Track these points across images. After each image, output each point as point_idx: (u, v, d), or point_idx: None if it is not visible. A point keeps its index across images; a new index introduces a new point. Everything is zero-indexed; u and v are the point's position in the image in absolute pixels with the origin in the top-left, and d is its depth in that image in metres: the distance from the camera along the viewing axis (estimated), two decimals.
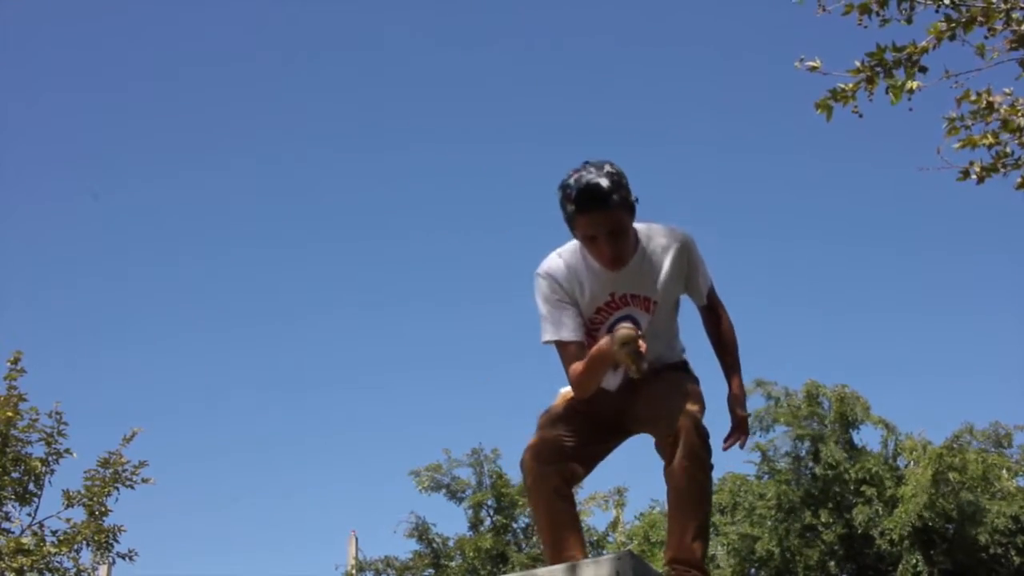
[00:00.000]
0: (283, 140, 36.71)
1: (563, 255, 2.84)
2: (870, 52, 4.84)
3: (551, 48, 38.35)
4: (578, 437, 2.84)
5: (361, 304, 33.89)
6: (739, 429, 2.95)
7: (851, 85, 4.90)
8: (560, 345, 2.79)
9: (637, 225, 2.79)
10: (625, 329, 2.59)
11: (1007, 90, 5.10)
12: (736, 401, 2.96)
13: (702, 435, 2.64)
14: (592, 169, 2.68)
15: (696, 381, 2.92)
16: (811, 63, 4.89)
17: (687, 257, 2.84)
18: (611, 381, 2.88)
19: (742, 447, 2.99)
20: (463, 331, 30.81)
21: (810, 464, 14.24)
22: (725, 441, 2.95)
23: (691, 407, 2.67)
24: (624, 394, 2.87)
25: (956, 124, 5.09)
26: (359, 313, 33.93)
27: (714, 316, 3.03)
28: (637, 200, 2.75)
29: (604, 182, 2.64)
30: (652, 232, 2.84)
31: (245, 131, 37.35)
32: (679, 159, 34.84)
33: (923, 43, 4.83)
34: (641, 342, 2.57)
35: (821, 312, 30.82)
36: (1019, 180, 5.23)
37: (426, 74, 37.34)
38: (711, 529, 14.52)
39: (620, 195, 2.66)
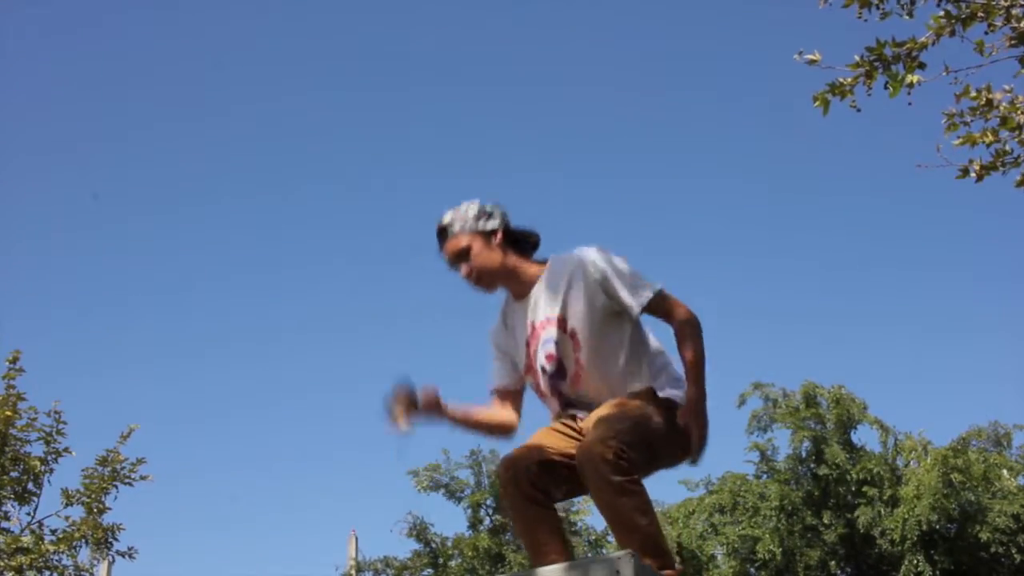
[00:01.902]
0: (283, 137, 36.72)
1: (501, 307, 3.06)
2: (870, 47, 4.83)
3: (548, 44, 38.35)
4: (555, 450, 2.82)
5: (361, 305, 33.91)
6: (692, 440, 2.74)
7: (850, 80, 4.89)
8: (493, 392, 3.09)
9: (552, 256, 2.97)
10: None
11: (1007, 87, 5.09)
12: (685, 410, 2.75)
13: (608, 458, 2.53)
14: (447, 210, 2.96)
15: (647, 404, 2.76)
16: (810, 56, 4.87)
17: (591, 266, 2.84)
18: (550, 406, 2.96)
19: (692, 462, 2.79)
20: (463, 331, 30.78)
21: (811, 464, 14.23)
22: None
23: (601, 429, 2.60)
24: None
25: (956, 120, 5.07)
26: (359, 312, 33.95)
27: (668, 321, 2.86)
28: (510, 228, 2.94)
29: (446, 217, 2.93)
30: (558, 258, 2.96)
31: (246, 129, 37.36)
32: (678, 157, 34.85)
33: (923, 39, 4.82)
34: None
35: (819, 312, 30.80)
36: (1018, 178, 5.22)
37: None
38: (711, 529, 14.54)
39: (461, 223, 2.90)
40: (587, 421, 2.77)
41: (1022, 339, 30.84)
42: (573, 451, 2.75)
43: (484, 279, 2.92)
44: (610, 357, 2.83)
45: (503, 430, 3.07)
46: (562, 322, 2.85)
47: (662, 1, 39.47)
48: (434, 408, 2.91)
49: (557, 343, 2.85)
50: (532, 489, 2.78)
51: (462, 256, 2.90)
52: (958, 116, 5.07)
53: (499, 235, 2.92)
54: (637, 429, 2.65)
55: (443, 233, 2.93)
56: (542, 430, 2.96)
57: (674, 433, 2.75)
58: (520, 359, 2.98)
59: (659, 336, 2.96)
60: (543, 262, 2.98)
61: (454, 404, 2.98)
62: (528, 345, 2.94)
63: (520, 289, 2.95)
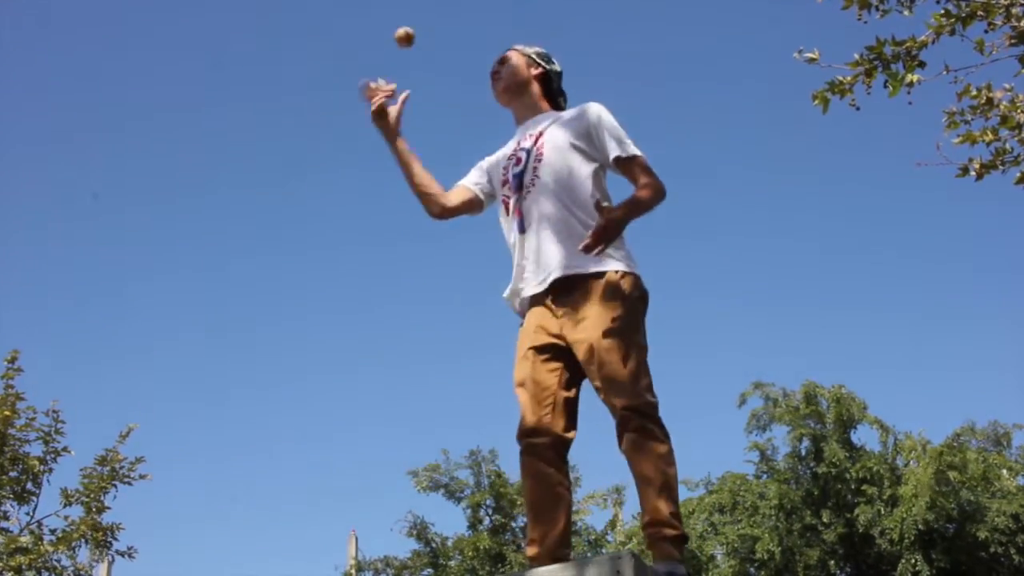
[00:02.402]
0: (281, 132, 36.72)
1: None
2: (869, 46, 4.84)
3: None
4: (547, 383, 2.89)
5: (360, 302, 33.91)
6: (597, 225, 2.77)
7: (849, 78, 4.90)
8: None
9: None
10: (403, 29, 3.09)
11: (1007, 86, 5.09)
12: (608, 221, 2.78)
13: (647, 414, 2.77)
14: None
15: (632, 312, 2.85)
16: (810, 54, 4.88)
17: (590, 109, 3.07)
18: (509, 231, 3.09)
19: (589, 248, 2.76)
20: (464, 331, 30.81)
21: (811, 464, 14.23)
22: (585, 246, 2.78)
23: (632, 382, 2.76)
24: (553, 311, 2.92)
25: (956, 119, 5.08)
26: (359, 312, 33.95)
27: (636, 183, 2.95)
28: (552, 75, 3.25)
29: (518, 44, 3.27)
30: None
31: (246, 124, 37.37)
32: (678, 156, 34.84)
33: (923, 37, 4.83)
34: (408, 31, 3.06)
35: (819, 312, 30.80)
36: (1018, 175, 5.22)
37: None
38: (711, 528, 14.54)
39: (523, 47, 3.24)
40: (590, 359, 2.81)
41: (1022, 338, 30.82)
42: (562, 366, 2.88)
43: (506, 91, 3.23)
44: (566, 179, 2.97)
45: (434, 193, 3.17)
46: (538, 137, 3.08)
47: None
48: (392, 120, 3.11)
49: (528, 151, 3.07)
50: (553, 455, 2.86)
51: (502, 61, 3.24)
52: (959, 115, 5.07)
53: (540, 69, 3.24)
54: (645, 366, 2.83)
55: (507, 51, 3.26)
56: (516, 373, 2.95)
57: (644, 310, 2.94)
58: (499, 175, 3.19)
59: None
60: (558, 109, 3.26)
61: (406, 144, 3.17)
62: (510, 157, 3.15)
63: (525, 113, 3.23)
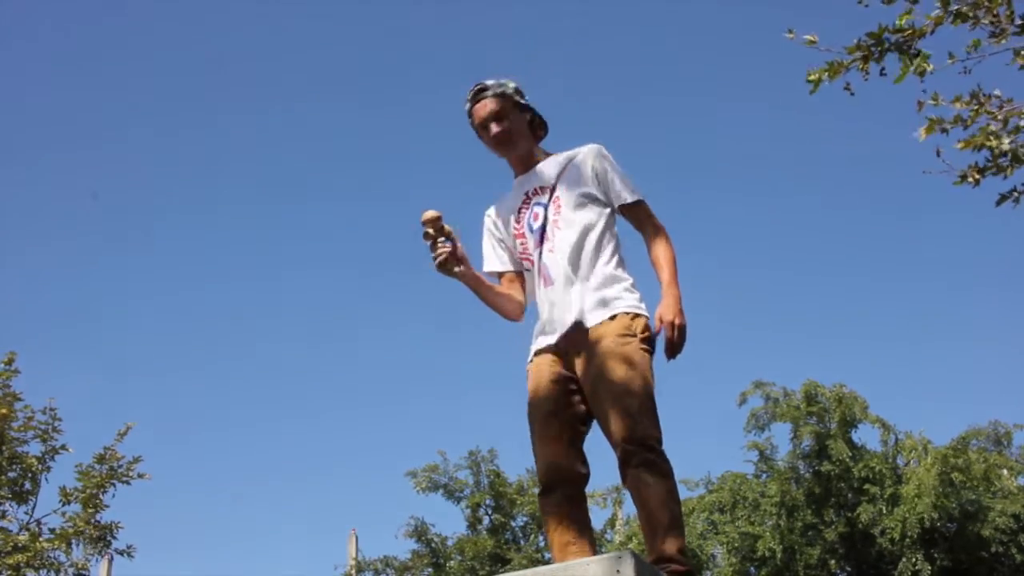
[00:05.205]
0: (281, 138, 36.71)
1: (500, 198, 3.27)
2: (871, 32, 4.84)
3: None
4: (559, 432, 2.95)
5: (360, 301, 33.90)
6: (668, 339, 2.87)
7: (847, 62, 4.91)
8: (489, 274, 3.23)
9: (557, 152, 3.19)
10: (428, 212, 2.96)
11: (997, 92, 5.10)
12: (662, 310, 2.89)
13: (650, 447, 2.75)
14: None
15: (641, 352, 2.87)
16: (808, 37, 4.89)
17: (594, 154, 3.08)
18: (531, 288, 3.11)
19: (669, 354, 2.88)
20: (463, 328, 30.79)
21: (814, 462, 14.21)
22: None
23: (633, 418, 2.75)
24: (566, 353, 2.96)
25: (936, 128, 5.06)
26: (359, 310, 33.94)
27: (643, 229, 3.06)
28: (536, 113, 3.17)
29: (489, 80, 3.13)
30: (563, 151, 3.19)
31: (246, 126, 37.35)
32: (678, 156, 34.84)
33: (922, 26, 4.82)
34: (445, 226, 2.96)
35: (818, 311, 30.79)
36: (999, 196, 5.21)
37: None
38: (711, 527, 14.52)
39: (503, 89, 3.11)
40: (594, 392, 2.84)
41: (1022, 338, 30.80)
42: (575, 406, 2.93)
43: (507, 145, 3.13)
44: (582, 233, 2.99)
45: (512, 306, 3.18)
46: (552, 191, 3.07)
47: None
48: (460, 267, 3.05)
49: (544, 206, 3.06)
50: (571, 507, 3.00)
51: (496, 117, 3.10)
52: (937, 122, 5.05)
53: (529, 112, 3.16)
54: (651, 402, 2.81)
55: (481, 92, 3.12)
56: (540, 426, 2.99)
57: (651, 350, 2.93)
58: (510, 231, 3.17)
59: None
60: (547, 153, 3.22)
61: (474, 270, 3.13)
62: (519, 211, 3.13)
63: (525, 165, 3.17)
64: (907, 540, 12.92)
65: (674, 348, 2.87)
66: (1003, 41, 4.87)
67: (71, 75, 35.08)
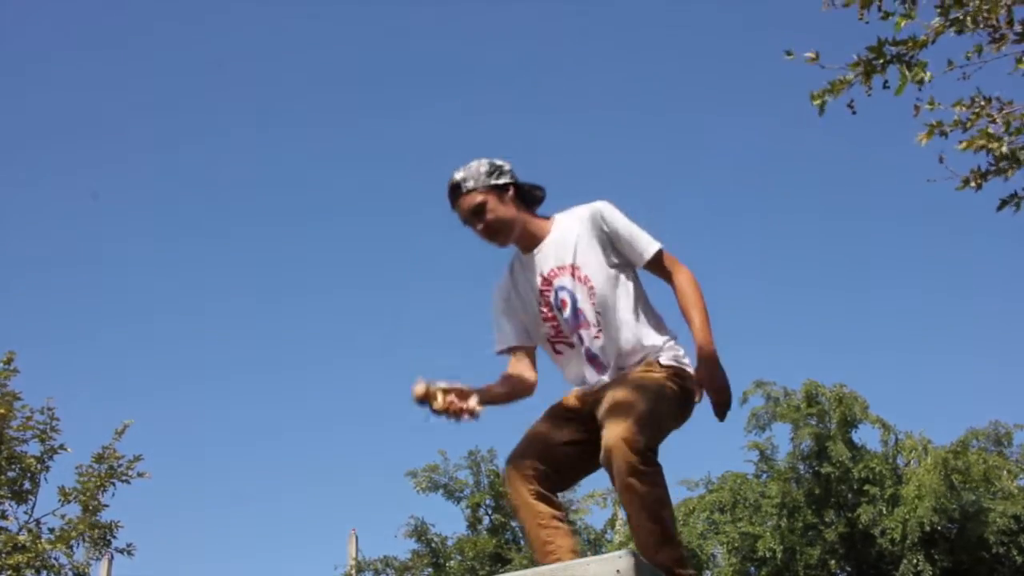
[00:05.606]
0: (284, 137, 36.71)
1: (508, 263, 3.11)
2: (870, 46, 4.83)
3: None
4: (558, 440, 2.89)
5: (360, 301, 33.89)
6: (712, 401, 2.78)
7: (849, 77, 4.89)
8: (500, 354, 3.09)
9: (558, 214, 3.04)
10: (415, 390, 2.76)
11: (997, 95, 5.10)
12: (704, 369, 2.79)
13: (635, 448, 2.57)
14: (458, 168, 2.99)
15: (662, 381, 2.80)
16: (808, 54, 4.87)
17: (601, 217, 2.93)
18: (572, 373, 2.99)
19: (719, 417, 2.78)
20: (463, 328, 30.79)
21: (814, 462, 14.20)
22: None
23: (626, 419, 2.61)
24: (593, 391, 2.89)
25: (936, 131, 5.06)
26: (359, 310, 33.93)
27: (669, 278, 2.93)
28: (519, 184, 3.00)
29: (458, 174, 2.97)
30: (568, 212, 3.03)
31: (246, 125, 37.35)
32: (678, 155, 34.85)
33: (922, 37, 4.82)
34: (436, 390, 2.76)
35: (819, 311, 30.78)
36: (1000, 201, 5.21)
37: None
38: (711, 527, 14.51)
39: (474, 180, 2.94)
40: (600, 407, 2.75)
41: (1022, 338, 30.79)
42: (577, 436, 2.87)
43: (500, 234, 2.97)
44: (620, 307, 2.89)
45: (523, 388, 3.07)
46: (574, 270, 2.92)
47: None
48: (467, 394, 2.88)
49: (571, 290, 2.92)
50: (538, 486, 2.82)
51: (477, 212, 2.95)
52: (937, 127, 5.04)
53: (511, 190, 2.99)
54: (653, 417, 2.69)
55: (456, 190, 2.98)
56: (540, 420, 2.98)
57: (683, 401, 2.84)
58: (532, 311, 3.02)
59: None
60: (548, 218, 3.06)
61: (474, 388, 2.95)
62: (541, 294, 2.98)
63: (530, 242, 3.01)
64: (908, 541, 12.92)
65: (722, 410, 2.78)
66: (1002, 47, 4.87)
67: (71, 75, 35.10)
